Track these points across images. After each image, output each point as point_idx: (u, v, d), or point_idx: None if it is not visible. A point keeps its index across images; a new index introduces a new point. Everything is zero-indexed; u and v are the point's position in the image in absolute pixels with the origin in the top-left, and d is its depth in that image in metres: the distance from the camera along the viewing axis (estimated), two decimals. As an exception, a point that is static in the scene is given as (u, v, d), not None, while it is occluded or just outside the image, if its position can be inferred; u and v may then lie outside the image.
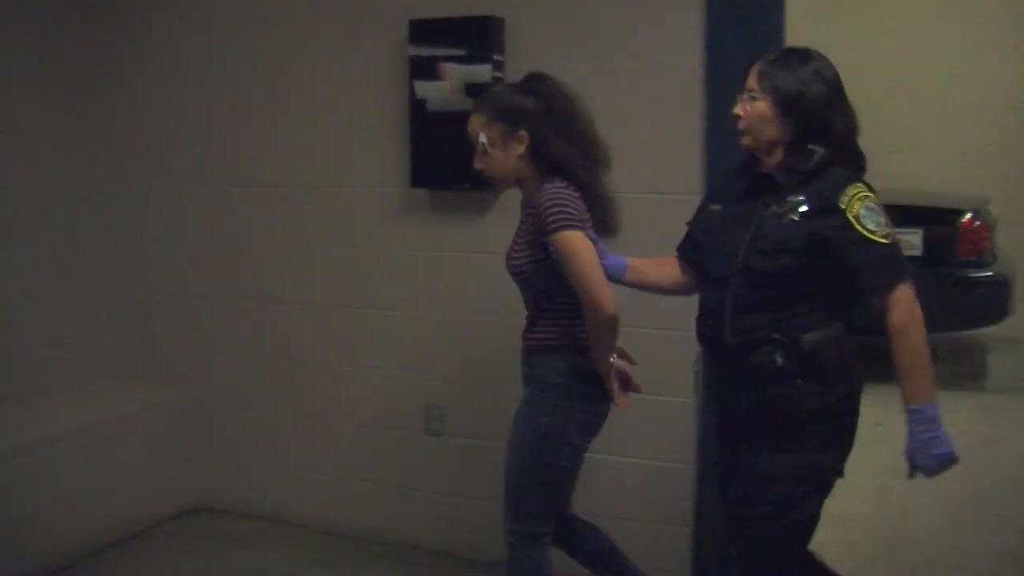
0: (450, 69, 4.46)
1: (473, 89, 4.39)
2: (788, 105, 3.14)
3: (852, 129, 3.18)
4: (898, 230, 3.12)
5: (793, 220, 3.10)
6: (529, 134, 3.48)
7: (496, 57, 4.38)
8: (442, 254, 4.72)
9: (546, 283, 3.48)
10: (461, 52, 4.42)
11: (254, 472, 5.36)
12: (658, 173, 4.25)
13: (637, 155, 4.23)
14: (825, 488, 3.21)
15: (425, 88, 4.52)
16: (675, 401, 4.31)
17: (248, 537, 5.13)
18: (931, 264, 7.44)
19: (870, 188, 3.10)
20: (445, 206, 4.70)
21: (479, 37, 4.38)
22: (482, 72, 4.38)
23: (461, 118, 4.34)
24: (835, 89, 3.16)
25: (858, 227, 3.03)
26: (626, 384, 3.60)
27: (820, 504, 3.23)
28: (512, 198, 4.41)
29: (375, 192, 4.83)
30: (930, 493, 4.45)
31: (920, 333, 3.03)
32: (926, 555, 4.88)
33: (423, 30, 4.50)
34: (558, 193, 3.37)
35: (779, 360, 3.14)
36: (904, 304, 3.03)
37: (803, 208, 3.09)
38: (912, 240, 7.37)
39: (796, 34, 4.11)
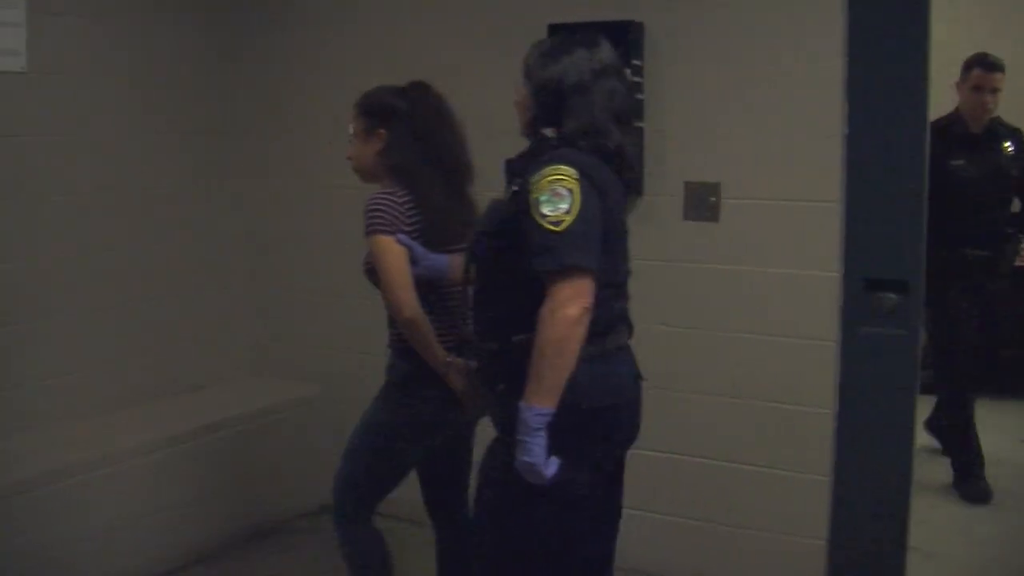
0: (587, 73, 4.43)
1: (612, 94, 4.36)
2: (535, 91, 3.06)
3: (596, 122, 2.99)
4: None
5: (502, 203, 3.02)
6: (387, 134, 3.59)
7: (635, 62, 4.36)
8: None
9: None
10: (600, 57, 4.38)
11: (390, 472, 5.38)
12: (798, 180, 4.18)
13: (777, 162, 4.19)
14: (562, 504, 2.97)
15: (564, 93, 4.50)
16: (812, 412, 4.23)
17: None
18: None
19: (583, 172, 2.85)
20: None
21: (618, 42, 4.26)
22: (613, 77, 4.35)
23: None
24: (588, 81, 3.00)
25: (533, 210, 2.82)
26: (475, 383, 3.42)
27: (549, 518, 2.98)
28: (656, 207, 4.44)
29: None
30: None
31: (553, 332, 2.77)
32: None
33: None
34: (378, 198, 3.48)
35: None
36: (553, 298, 2.78)
37: (514, 189, 2.95)
38: None
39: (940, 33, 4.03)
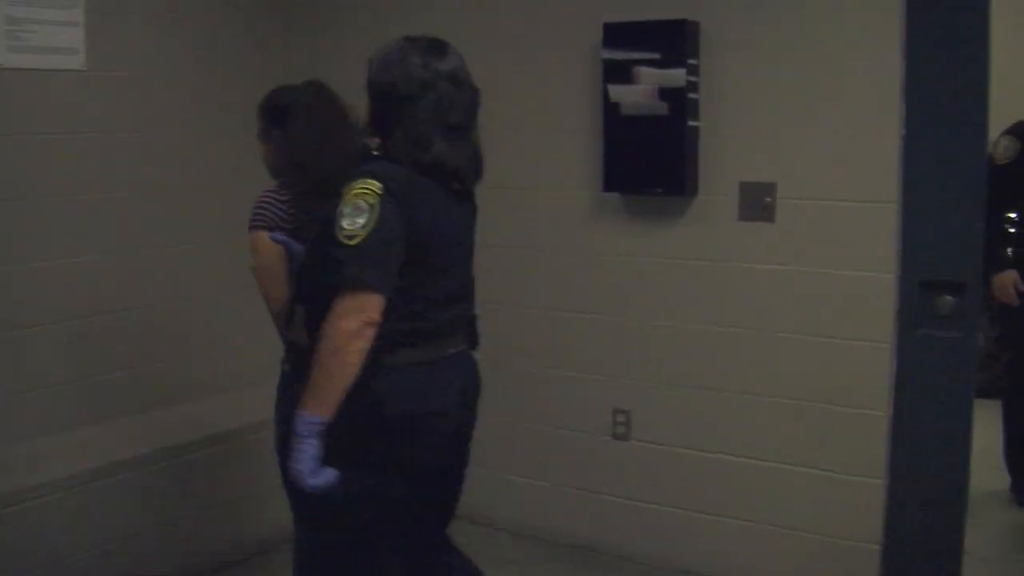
0: (644, 73, 4.42)
1: (668, 94, 4.36)
2: (370, 97, 3.07)
3: (417, 134, 2.99)
4: None
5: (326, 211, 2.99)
6: (280, 133, 3.56)
7: (691, 61, 4.34)
8: (633, 259, 4.69)
9: None
10: (656, 56, 4.37)
11: (442, 469, 5.39)
12: (855, 180, 4.14)
13: (834, 162, 4.16)
14: (373, 507, 3.05)
15: (619, 92, 4.49)
16: (868, 414, 4.19)
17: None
18: None
19: (389, 187, 2.86)
20: (637, 210, 4.67)
21: (674, 41, 4.33)
22: (676, 76, 4.34)
23: (655, 122, 4.38)
24: (415, 92, 2.99)
25: (335, 222, 2.84)
26: None
27: (360, 518, 3.07)
28: (710, 207, 4.41)
29: (567, 195, 4.84)
30: None
31: (329, 343, 2.79)
32: None
33: (617, 33, 4.48)
34: (262, 196, 3.49)
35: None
36: (334, 310, 2.79)
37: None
38: None
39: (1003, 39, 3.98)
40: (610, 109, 4.54)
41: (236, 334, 5.24)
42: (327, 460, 2.84)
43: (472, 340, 3.27)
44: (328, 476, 2.83)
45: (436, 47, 3.12)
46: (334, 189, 3.02)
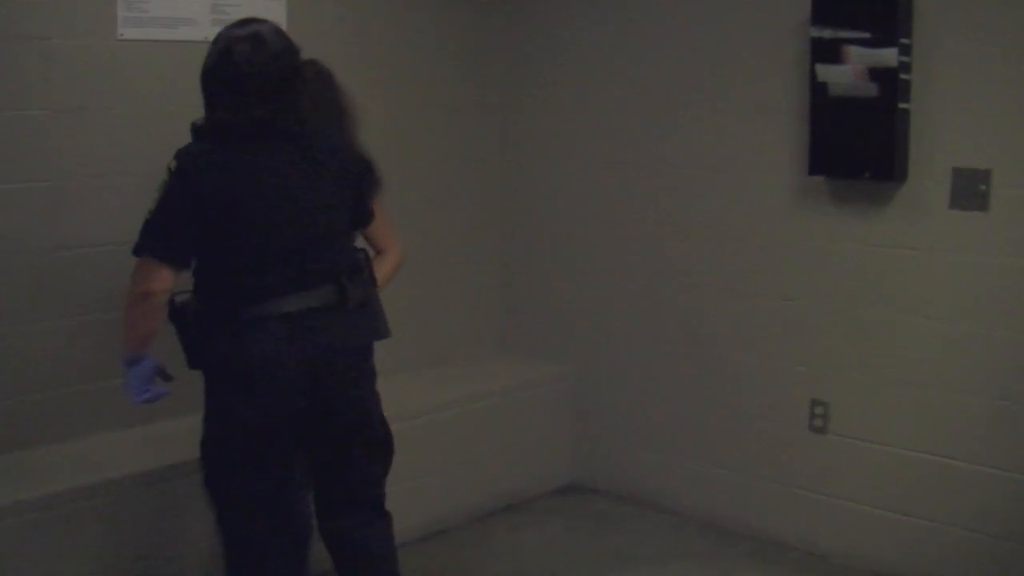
0: (854, 52, 4.24)
1: (878, 74, 4.17)
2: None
3: (214, 107, 3.29)
4: None
5: None
6: None
7: (903, 41, 4.14)
8: (837, 245, 4.53)
9: None
10: (866, 35, 4.19)
11: (631, 455, 5.35)
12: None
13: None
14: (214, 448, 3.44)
15: (827, 72, 4.32)
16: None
17: (621, 520, 5.13)
18: None
19: (182, 164, 3.20)
20: (843, 195, 4.50)
21: (886, 19, 4.14)
22: (888, 56, 4.15)
23: (864, 104, 4.21)
24: (211, 66, 3.27)
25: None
26: None
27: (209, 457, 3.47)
28: (920, 193, 4.23)
29: (771, 178, 4.70)
30: None
31: (129, 303, 3.31)
32: None
33: (826, 10, 4.31)
34: None
35: None
36: (134, 274, 3.28)
37: None
38: None
39: None
40: (817, 90, 4.38)
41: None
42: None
43: (340, 296, 3.42)
44: (152, 393, 3.44)
45: (245, 21, 3.41)
46: None
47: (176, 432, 4.08)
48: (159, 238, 3.22)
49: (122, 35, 4.19)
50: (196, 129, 3.29)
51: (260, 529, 3.44)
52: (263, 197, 3.26)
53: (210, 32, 4.23)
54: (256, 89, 3.24)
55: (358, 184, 3.55)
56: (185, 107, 4.36)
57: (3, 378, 4.04)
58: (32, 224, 4.07)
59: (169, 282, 3.26)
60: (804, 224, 4.63)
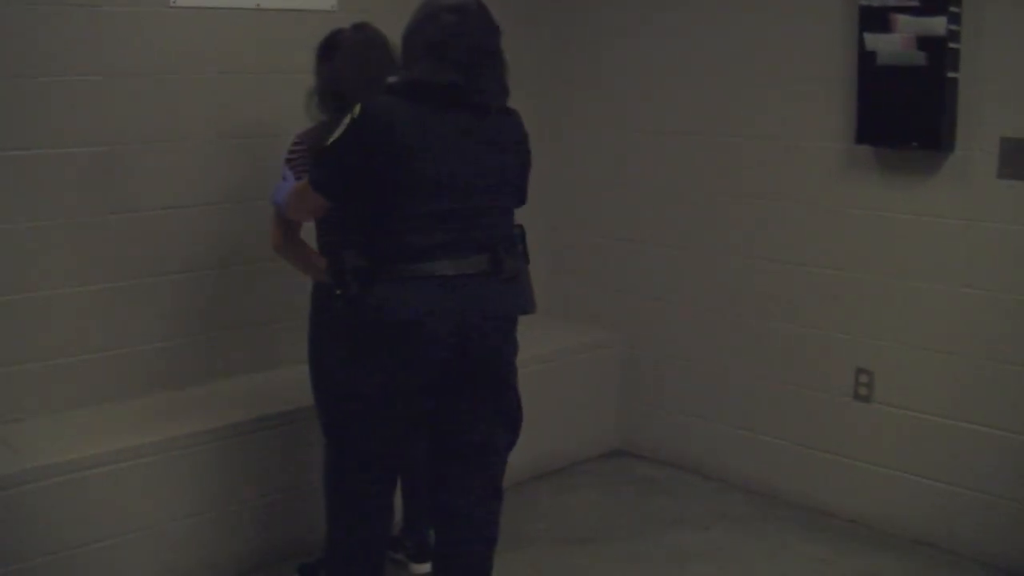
0: (903, 20, 4.22)
1: (926, 42, 4.16)
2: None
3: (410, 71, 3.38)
4: None
5: None
6: (327, 72, 3.84)
7: (952, 9, 4.11)
8: (883, 214, 4.52)
9: None
10: (915, 3, 4.16)
11: (677, 421, 5.39)
12: None
13: None
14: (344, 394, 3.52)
15: (875, 40, 4.31)
16: None
17: (666, 485, 5.18)
18: None
19: (364, 107, 3.30)
20: (890, 164, 4.48)
21: (935, -14, 4.14)
22: (937, 24, 4.13)
23: (912, 73, 4.19)
24: (413, 32, 3.38)
25: None
26: None
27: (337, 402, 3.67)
28: (967, 163, 4.21)
29: (818, 147, 4.69)
30: None
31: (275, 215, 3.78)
32: None
33: (876, -21, 4.30)
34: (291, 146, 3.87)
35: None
36: (289, 195, 3.63)
37: None
38: None
39: None
40: (865, 58, 4.37)
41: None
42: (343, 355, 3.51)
43: (495, 265, 3.45)
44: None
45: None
46: None
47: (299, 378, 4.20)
48: (321, 169, 3.39)
49: (175, 2, 4.25)
50: (389, 86, 3.38)
51: (372, 482, 3.62)
52: (436, 159, 3.30)
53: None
54: (454, 58, 3.28)
55: (526, 167, 3.67)
56: (235, 73, 4.45)
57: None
58: (87, 187, 4.16)
59: (319, 211, 3.55)
60: (851, 193, 4.62)
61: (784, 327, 4.91)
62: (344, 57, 3.78)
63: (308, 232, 3.89)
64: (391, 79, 3.40)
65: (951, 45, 4.14)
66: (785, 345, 4.91)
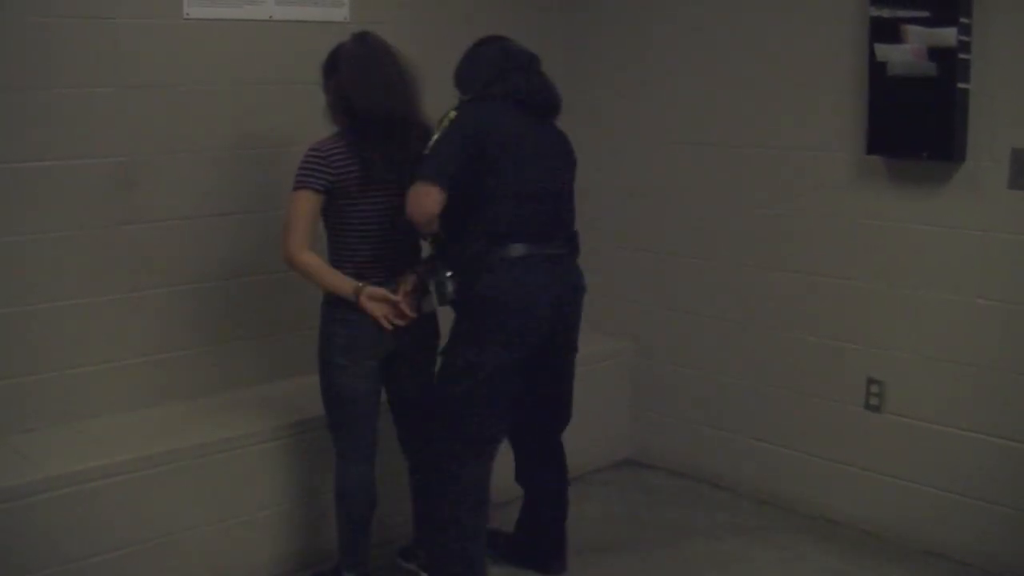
0: (914, 31, 4.22)
1: (937, 53, 4.16)
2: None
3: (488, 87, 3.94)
4: None
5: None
6: (332, 85, 3.89)
7: (963, 20, 4.12)
8: (894, 224, 4.52)
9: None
10: (926, 14, 4.17)
11: (689, 430, 5.39)
12: None
13: None
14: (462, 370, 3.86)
15: (886, 51, 4.31)
16: None
17: (678, 495, 5.19)
18: None
19: (465, 108, 3.85)
20: (901, 175, 4.48)
21: (945, -2, 4.15)
22: (947, 36, 4.13)
23: (922, 84, 4.20)
24: (492, 58, 4.04)
25: None
26: (396, 306, 3.88)
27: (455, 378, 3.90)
28: (979, 173, 4.21)
29: (828, 156, 4.70)
30: None
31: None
32: None
33: (886, -10, 4.31)
34: (306, 153, 3.81)
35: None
36: (408, 197, 3.74)
37: None
38: None
39: None
40: (876, 69, 4.37)
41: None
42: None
43: (572, 246, 4.07)
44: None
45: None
46: (386, 125, 3.76)
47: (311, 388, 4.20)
48: (431, 166, 3.68)
49: (188, 14, 4.28)
50: (477, 95, 3.90)
51: (487, 464, 4.04)
52: (528, 148, 3.86)
53: (274, 11, 4.37)
54: (526, 76, 3.96)
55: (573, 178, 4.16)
56: (248, 85, 4.46)
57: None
58: (100, 198, 4.18)
59: (438, 203, 3.68)
60: (862, 203, 4.62)
61: (795, 337, 4.91)
62: (348, 68, 3.83)
63: (319, 244, 3.90)
64: (491, 88, 3.88)
65: (962, 56, 4.14)
66: (797, 355, 4.92)
